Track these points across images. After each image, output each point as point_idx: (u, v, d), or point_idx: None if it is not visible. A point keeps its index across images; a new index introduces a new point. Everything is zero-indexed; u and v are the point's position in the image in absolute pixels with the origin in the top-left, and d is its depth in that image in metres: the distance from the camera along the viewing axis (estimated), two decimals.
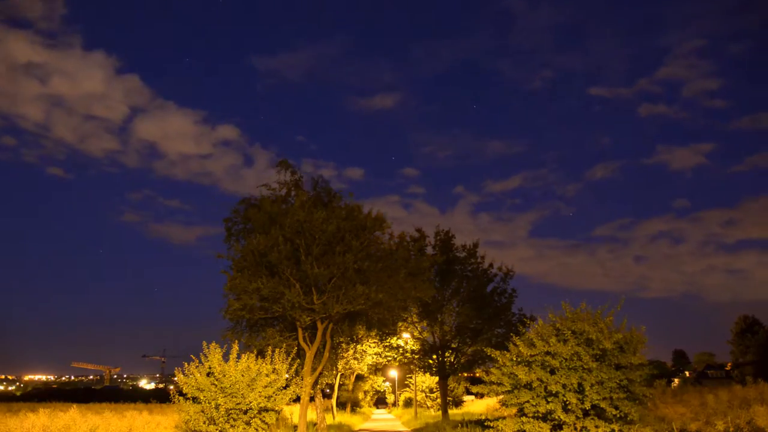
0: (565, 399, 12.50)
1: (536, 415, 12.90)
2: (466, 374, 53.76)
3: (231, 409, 14.58)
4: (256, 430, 14.82)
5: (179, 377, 15.26)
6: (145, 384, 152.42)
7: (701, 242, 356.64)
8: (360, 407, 59.78)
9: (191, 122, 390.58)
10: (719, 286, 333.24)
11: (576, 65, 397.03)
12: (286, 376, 16.17)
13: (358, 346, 34.42)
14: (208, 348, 15.23)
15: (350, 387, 55.46)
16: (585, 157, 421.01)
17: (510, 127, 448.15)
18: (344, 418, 41.27)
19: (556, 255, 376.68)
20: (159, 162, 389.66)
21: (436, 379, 38.11)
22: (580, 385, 12.57)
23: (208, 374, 15.01)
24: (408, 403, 60.14)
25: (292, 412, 30.69)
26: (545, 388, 12.78)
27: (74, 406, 22.70)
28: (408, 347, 30.24)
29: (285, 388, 15.79)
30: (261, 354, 16.67)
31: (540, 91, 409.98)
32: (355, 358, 36.45)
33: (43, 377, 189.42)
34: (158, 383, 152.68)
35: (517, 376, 13.22)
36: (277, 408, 15.47)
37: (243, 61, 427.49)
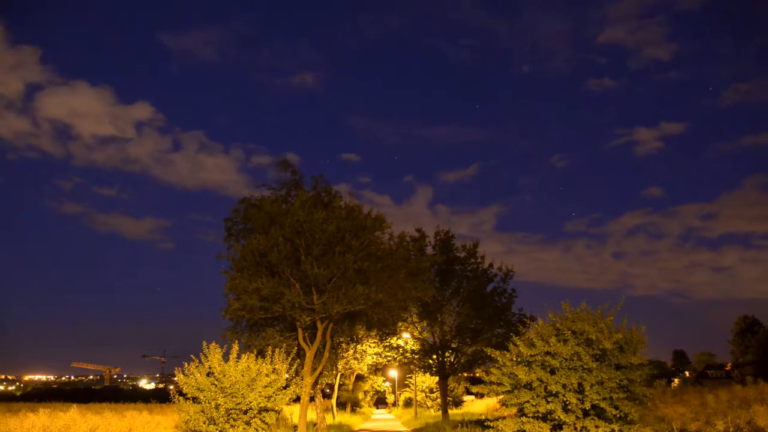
0: (565, 399, 12.50)
1: (536, 415, 12.90)
2: (466, 374, 53.82)
3: (231, 409, 14.58)
4: (256, 430, 14.83)
5: (179, 377, 15.27)
6: (145, 384, 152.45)
7: (680, 236, 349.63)
8: (360, 407, 59.80)
9: (104, 102, 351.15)
10: (705, 284, 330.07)
11: (514, 40, 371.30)
12: (286, 376, 16.18)
13: (358, 346, 34.44)
14: (208, 348, 15.24)
15: (350, 387, 55.48)
16: (543, 145, 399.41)
17: (451, 110, 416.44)
18: (344, 418, 41.28)
19: (528, 250, 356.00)
20: (74, 145, 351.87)
21: (436, 379, 38.12)
22: (580, 385, 12.57)
23: (208, 374, 15.02)
24: (408, 403, 60.16)
25: (292, 412, 30.70)
26: (545, 388, 12.78)
27: (74, 406, 22.68)
28: (408, 347, 30.25)
29: (285, 388, 15.80)
30: (261, 354, 16.68)
31: (478, 68, 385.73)
32: (355, 358, 36.47)
33: (43, 377, 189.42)
34: (158, 383, 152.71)
35: (517, 376, 13.22)
36: (277, 408, 15.47)
37: (154, 38, 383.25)
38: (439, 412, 34.19)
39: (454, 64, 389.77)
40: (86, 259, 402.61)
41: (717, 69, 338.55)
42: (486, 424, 17.47)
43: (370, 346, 34.48)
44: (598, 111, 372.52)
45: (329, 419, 37.10)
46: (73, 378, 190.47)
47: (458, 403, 50.85)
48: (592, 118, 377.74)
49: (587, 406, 12.38)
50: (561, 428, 12.67)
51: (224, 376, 14.77)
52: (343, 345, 32.34)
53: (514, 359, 13.73)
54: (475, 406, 46.59)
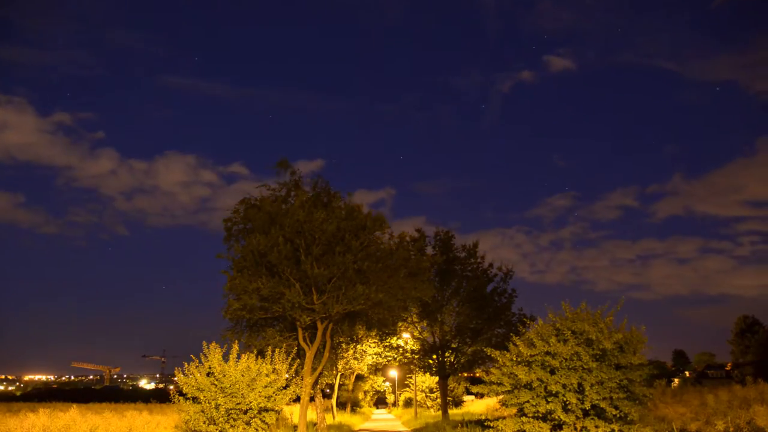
0: (565, 399, 12.50)
1: (536, 415, 12.90)
2: (466, 374, 53.86)
3: (231, 409, 14.59)
4: (256, 430, 14.84)
5: (179, 377, 15.28)
6: (145, 384, 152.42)
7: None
8: (360, 407, 59.78)
9: None
10: (665, 277, 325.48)
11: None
12: (286, 376, 16.19)
13: (358, 346, 34.43)
14: (208, 348, 15.25)
15: (350, 387, 55.46)
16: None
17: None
18: (344, 418, 41.28)
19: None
20: None
21: (436, 379, 38.11)
22: (580, 385, 12.57)
23: (208, 374, 15.03)
24: (408, 403, 60.13)
25: (292, 412, 30.70)
26: (545, 388, 12.78)
27: (74, 406, 22.67)
28: (408, 347, 30.26)
29: (285, 388, 15.80)
30: (261, 354, 16.68)
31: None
32: (355, 358, 36.47)
33: (43, 377, 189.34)
34: (158, 383, 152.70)
35: (517, 376, 13.22)
36: (277, 408, 15.48)
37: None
38: (439, 412, 34.18)
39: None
40: (86, 258, 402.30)
41: None
42: (486, 424, 17.49)
43: (370, 346, 34.48)
44: None
45: (329, 419, 37.10)
46: (73, 378, 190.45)
47: (458, 403, 50.82)
48: None
49: (587, 406, 12.38)
50: (561, 428, 12.67)
51: (224, 376, 14.78)
52: (343, 345, 32.34)
53: (514, 359, 13.72)
54: (475, 406, 46.56)
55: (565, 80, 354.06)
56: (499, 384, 13.75)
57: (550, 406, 12.58)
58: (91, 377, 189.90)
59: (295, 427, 22.49)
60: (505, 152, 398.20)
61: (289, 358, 16.46)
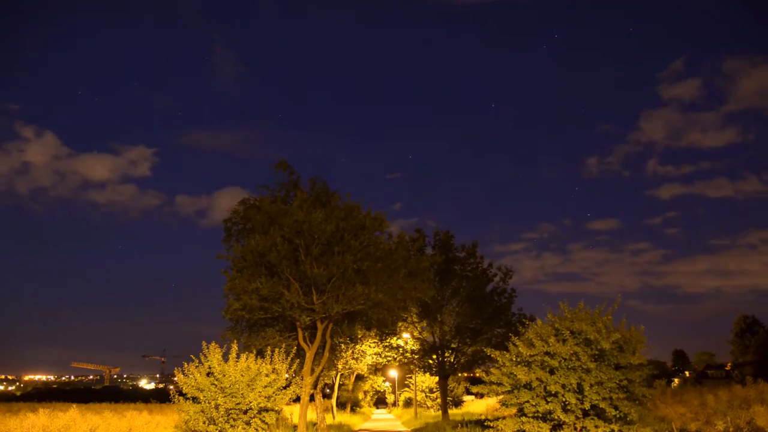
0: (564, 399, 12.49)
1: (536, 415, 12.89)
2: (466, 374, 53.79)
3: (231, 409, 14.58)
4: (256, 430, 14.83)
5: (179, 377, 15.28)
6: (145, 384, 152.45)
7: None
8: (360, 407, 59.79)
9: None
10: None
11: None
12: (286, 376, 16.18)
13: (357, 347, 34.40)
14: (208, 348, 15.24)
15: (350, 387, 55.48)
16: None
17: None
18: (344, 418, 41.29)
19: None
20: None
21: (436, 379, 38.11)
22: (579, 385, 12.56)
23: (207, 374, 15.02)
24: (408, 403, 60.13)
25: (292, 412, 30.71)
26: (545, 388, 12.77)
27: (74, 406, 22.66)
28: (408, 347, 30.25)
29: (285, 388, 15.80)
30: (260, 354, 16.67)
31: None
32: (354, 359, 36.45)
33: (43, 377, 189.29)
34: (158, 383, 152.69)
35: (516, 376, 13.21)
36: (277, 408, 15.47)
37: None
38: (439, 412, 34.18)
39: None
40: (86, 258, 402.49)
41: None
42: (486, 424, 17.49)
43: (370, 346, 34.48)
44: None
45: (329, 419, 37.11)
46: (73, 378, 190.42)
47: (458, 403, 50.83)
48: None
49: (587, 406, 12.37)
50: (561, 428, 12.66)
51: (224, 376, 14.78)
52: (342, 346, 32.32)
53: (514, 359, 13.71)
54: (475, 406, 46.57)
55: None
56: (499, 384, 13.74)
57: (549, 406, 12.57)
58: (91, 377, 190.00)
59: (295, 427, 22.49)
60: None
61: (289, 358, 16.45)
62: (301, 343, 20.21)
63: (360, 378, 58.20)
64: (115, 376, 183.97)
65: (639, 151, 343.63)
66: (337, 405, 47.23)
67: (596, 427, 12.34)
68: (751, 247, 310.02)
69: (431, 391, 49.51)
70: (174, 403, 15.57)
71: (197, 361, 15.27)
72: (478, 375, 41.74)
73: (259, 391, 14.89)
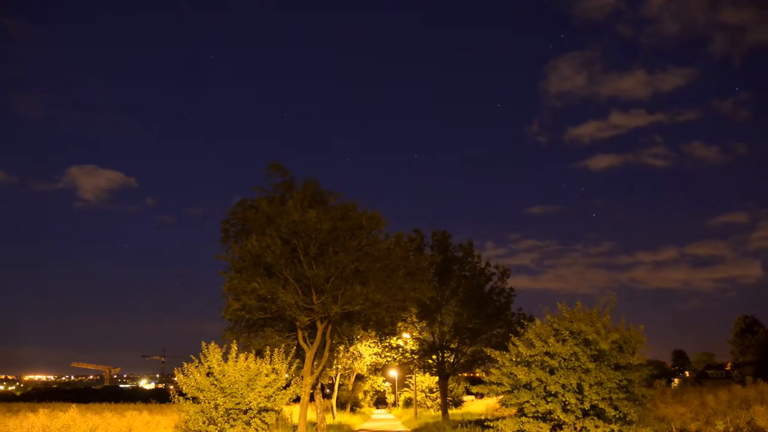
0: (564, 399, 12.49)
1: (536, 415, 12.90)
2: (465, 374, 53.78)
3: (230, 409, 14.59)
4: (256, 430, 14.84)
5: (179, 377, 15.29)
6: (145, 384, 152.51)
7: None
8: (360, 407, 59.79)
9: None
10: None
11: None
12: (286, 376, 16.18)
13: (352, 347, 34.37)
14: (208, 348, 15.25)
15: (350, 387, 55.46)
16: None
17: None
18: (344, 418, 41.29)
19: None
20: None
21: (436, 379, 38.12)
22: (579, 385, 12.57)
23: (207, 374, 15.03)
24: (408, 403, 60.13)
25: (292, 412, 30.72)
26: (545, 388, 12.78)
27: (74, 406, 22.66)
28: (408, 347, 30.26)
29: (285, 388, 15.80)
30: (260, 354, 16.67)
31: None
32: (353, 359, 36.46)
33: (43, 377, 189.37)
34: (158, 383, 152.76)
35: (516, 376, 13.21)
36: (276, 408, 15.47)
37: None
38: (439, 412, 34.17)
39: None
40: (86, 258, 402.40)
41: None
42: (486, 424, 17.48)
43: (369, 346, 34.47)
44: None
45: (329, 419, 37.11)
46: (73, 378, 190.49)
47: (458, 403, 50.82)
48: None
49: (587, 406, 12.37)
50: (561, 428, 12.67)
51: (224, 376, 14.78)
52: (340, 347, 32.29)
53: (514, 359, 13.72)
54: (475, 406, 46.58)
55: None
56: (499, 384, 13.75)
57: (549, 407, 12.57)
58: (91, 377, 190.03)
59: (295, 427, 22.50)
60: None
61: (289, 358, 16.46)
62: (301, 343, 20.21)
63: (360, 378, 58.18)
64: (115, 376, 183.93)
65: None
66: (337, 405, 47.22)
67: (596, 427, 12.34)
68: None
69: (431, 391, 49.50)
70: (174, 403, 15.59)
71: (197, 361, 15.28)
72: (478, 375, 41.79)
73: (259, 391, 14.89)
